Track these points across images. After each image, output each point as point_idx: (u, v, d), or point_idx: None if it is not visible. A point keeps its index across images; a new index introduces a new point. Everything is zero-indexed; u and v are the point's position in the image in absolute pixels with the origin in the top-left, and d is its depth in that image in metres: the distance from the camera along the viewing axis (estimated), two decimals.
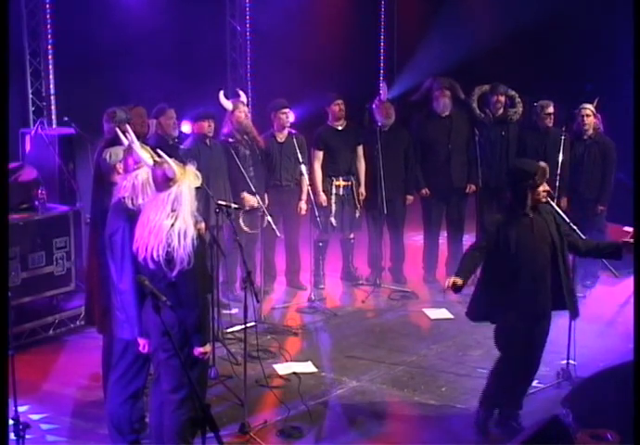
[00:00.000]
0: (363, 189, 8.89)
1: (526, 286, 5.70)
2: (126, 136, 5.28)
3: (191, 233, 4.84)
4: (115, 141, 5.61)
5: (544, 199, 5.74)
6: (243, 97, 8.40)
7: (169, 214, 4.83)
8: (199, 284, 4.99)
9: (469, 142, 8.87)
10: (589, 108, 8.65)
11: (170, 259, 4.82)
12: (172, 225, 4.81)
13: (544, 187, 5.72)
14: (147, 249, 4.84)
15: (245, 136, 8.24)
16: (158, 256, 4.81)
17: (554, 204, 6.93)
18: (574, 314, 5.97)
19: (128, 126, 5.43)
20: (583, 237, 6.09)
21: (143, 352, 5.20)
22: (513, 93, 8.98)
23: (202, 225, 6.48)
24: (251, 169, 8.19)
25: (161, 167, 4.90)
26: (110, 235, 5.14)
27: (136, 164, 5.13)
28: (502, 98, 8.94)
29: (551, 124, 8.76)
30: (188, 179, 4.90)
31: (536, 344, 5.85)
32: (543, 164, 5.78)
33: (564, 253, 5.78)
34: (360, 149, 8.89)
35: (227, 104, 8.20)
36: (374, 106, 8.90)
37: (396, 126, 8.94)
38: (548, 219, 5.80)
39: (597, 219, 8.84)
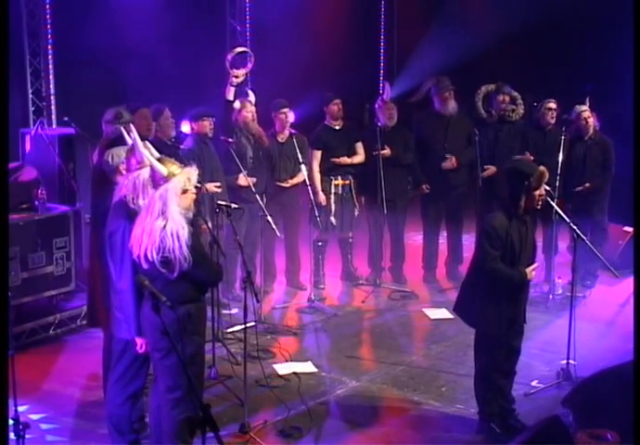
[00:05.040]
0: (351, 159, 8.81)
1: (519, 291, 5.73)
2: (130, 136, 5.27)
3: (184, 233, 4.85)
4: (116, 141, 5.61)
5: (538, 204, 5.64)
6: (252, 97, 8.38)
7: (160, 214, 4.85)
8: (207, 272, 5.09)
9: (468, 141, 8.85)
10: (587, 110, 8.65)
11: (167, 261, 4.84)
12: (165, 227, 4.83)
13: (540, 192, 5.60)
14: (140, 248, 4.86)
15: (249, 136, 8.24)
16: (152, 257, 4.83)
17: (554, 204, 6.96)
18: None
19: (132, 126, 5.42)
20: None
21: (141, 352, 5.21)
22: (516, 93, 8.98)
23: (204, 226, 6.50)
24: (251, 167, 8.18)
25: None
26: (110, 234, 5.14)
27: (139, 164, 5.13)
28: (506, 98, 8.94)
29: (553, 120, 8.76)
30: (177, 178, 4.91)
31: (516, 340, 5.91)
32: (542, 168, 5.66)
33: None
34: (359, 146, 8.85)
35: (235, 103, 8.19)
36: (376, 106, 8.90)
37: (397, 126, 8.94)
38: (532, 224, 5.84)
39: (599, 219, 8.83)
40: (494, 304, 5.68)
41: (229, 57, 8.09)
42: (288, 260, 8.99)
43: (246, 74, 8.20)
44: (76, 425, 6.00)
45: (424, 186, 8.96)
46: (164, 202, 4.86)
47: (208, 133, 7.90)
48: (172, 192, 4.88)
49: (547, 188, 6.84)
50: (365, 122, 9.88)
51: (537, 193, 5.60)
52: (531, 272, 5.73)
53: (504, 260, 5.63)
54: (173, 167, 4.96)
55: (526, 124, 9.02)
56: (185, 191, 4.95)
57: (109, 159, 5.48)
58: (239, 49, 8.38)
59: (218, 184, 7.74)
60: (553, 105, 8.75)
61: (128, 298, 5.11)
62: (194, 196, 5.05)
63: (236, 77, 7.93)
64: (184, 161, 5.57)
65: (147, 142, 5.30)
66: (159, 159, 5.01)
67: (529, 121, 9.03)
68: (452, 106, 8.91)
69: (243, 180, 7.95)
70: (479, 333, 5.90)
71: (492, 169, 8.74)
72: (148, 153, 5.05)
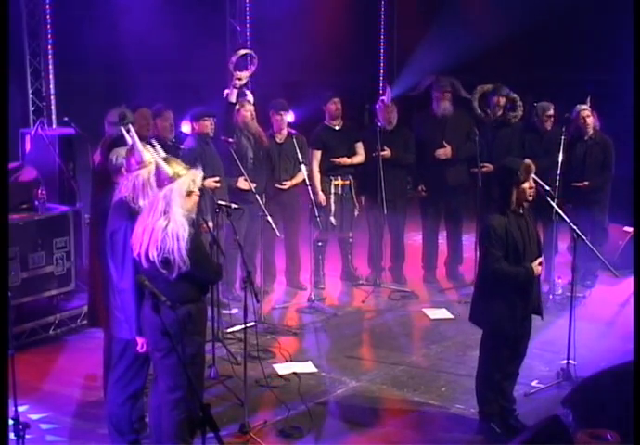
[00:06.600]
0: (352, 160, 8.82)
1: (525, 288, 5.72)
2: (129, 135, 5.28)
3: (184, 235, 4.85)
4: (118, 142, 5.61)
5: (530, 197, 5.69)
6: (250, 97, 8.39)
7: (162, 215, 4.84)
8: (207, 272, 5.10)
9: (467, 142, 8.84)
10: (587, 109, 8.65)
11: (167, 261, 4.85)
12: (166, 227, 4.83)
13: (529, 184, 5.65)
14: (140, 247, 4.86)
15: (249, 136, 8.24)
16: (152, 257, 4.83)
17: (554, 204, 6.95)
18: (540, 317, 6.01)
19: (131, 126, 5.42)
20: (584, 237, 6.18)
21: (141, 352, 5.21)
22: (514, 96, 8.96)
23: (204, 225, 6.50)
24: (251, 168, 8.18)
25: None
26: (112, 234, 5.14)
27: (138, 164, 5.14)
28: (502, 100, 8.92)
29: (550, 127, 8.77)
30: (182, 179, 4.91)
31: (523, 341, 5.92)
32: (527, 161, 5.73)
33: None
34: (359, 146, 8.85)
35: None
36: (377, 106, 8.89)
37: (397, 126, 8.92)
38: (532, 217, 5.85)
39: (600, 219, 8.83)
40: (507, 304, 5.69)
41: (233, 59, 8.09)
42: (288, 260, 8.99)
43: (248, 76, 8.20)
44: (76, 425, 6.00)
45: (420, 188, 8.97)
46: (168, 202, 4.86)
47: (209, 133, 7.90)
48: (177, 193, 4.88)
49: (547, 188, 6.88)
50: (365, 122, 9.85)
51: (526, 185, 5.65)
52: (537, 266, 5.74)
53: (508, 258, 5.63)
54: (179, 168, 4.96)
55: (524, 126, 9.00)
56: (189, 193, 4.94)
57: (114, 159, 5.48)
58: (242, 51, 8.39)
59: (217, 178, 7.73)
60: (552, 111, 8.75)
61: (129, 297, 5.11)
62: (197, 198, 5.04)
63: (239, 79, 7.94)
64: (184, 161, 5.56)
65: (153, 140, 5.32)
66: (165, 159, 5.01)
67: (527, 124, 9.02)
68: (444, 106, 8.89)
69: (243, 183, 7.96)
70: (486, 332, 5.90)
71: (489, 166, 8.72)
72: (154, 152, 5.06)
